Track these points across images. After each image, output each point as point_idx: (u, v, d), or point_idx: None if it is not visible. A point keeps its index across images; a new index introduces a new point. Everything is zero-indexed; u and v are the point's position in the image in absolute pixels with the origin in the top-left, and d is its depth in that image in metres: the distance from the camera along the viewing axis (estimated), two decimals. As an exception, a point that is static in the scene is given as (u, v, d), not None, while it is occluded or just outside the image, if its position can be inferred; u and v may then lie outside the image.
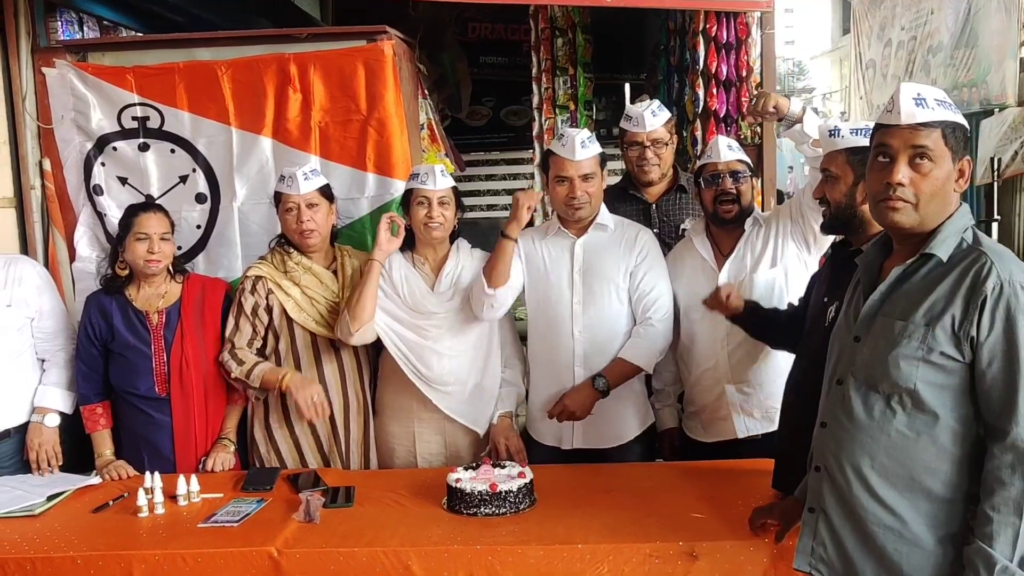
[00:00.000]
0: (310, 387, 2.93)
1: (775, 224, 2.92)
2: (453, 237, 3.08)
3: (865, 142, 2.07)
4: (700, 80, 4.26)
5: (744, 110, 3.27)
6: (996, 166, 5.66)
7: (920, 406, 1.79)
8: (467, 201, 3.18)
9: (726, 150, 2.90)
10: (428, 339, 2.99)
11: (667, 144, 3.33)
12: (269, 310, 3.04)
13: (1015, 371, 1.71)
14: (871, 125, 1.99)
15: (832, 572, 1.92)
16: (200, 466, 3.00)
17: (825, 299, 2.34)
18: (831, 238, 2.54)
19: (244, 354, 3.01)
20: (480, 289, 2.91)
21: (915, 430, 1.80)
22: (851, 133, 2.27)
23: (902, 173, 1.78)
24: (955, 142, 1.79)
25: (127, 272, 3.07)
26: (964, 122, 1.83)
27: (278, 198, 3.09)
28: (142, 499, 2.59)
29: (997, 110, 6.05)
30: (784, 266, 2.87)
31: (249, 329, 3.04)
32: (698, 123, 4.38)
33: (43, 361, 3.12)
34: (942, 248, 1.80)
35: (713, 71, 4.18)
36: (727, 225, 2.92)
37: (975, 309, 1.73)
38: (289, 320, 3.03)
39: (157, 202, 3.49)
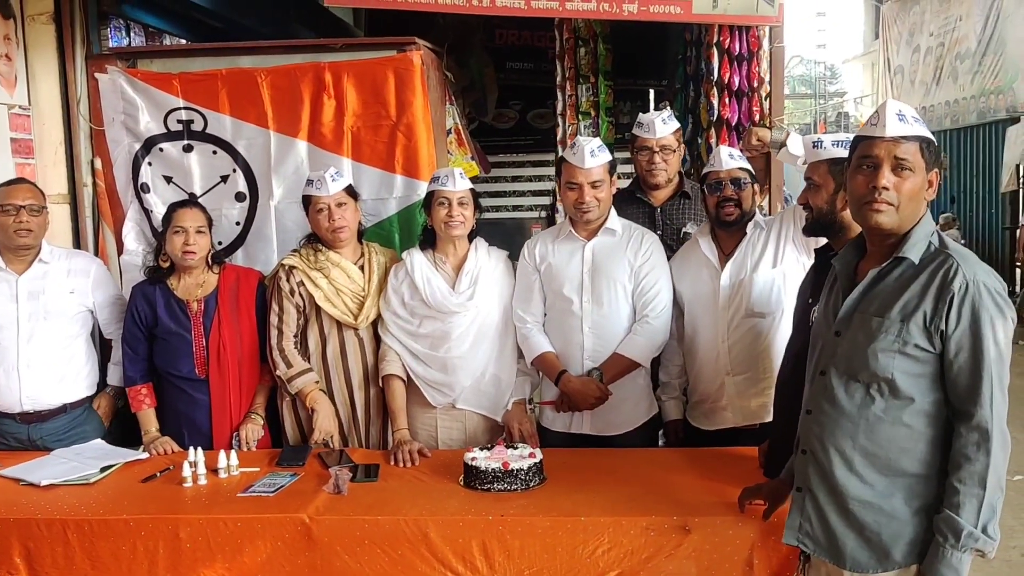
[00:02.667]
0: (329, 423, 3.21)
1: (777, 227, 3.09)
2: (472, 236, 3.28)
3: (845, 153, 2.26)
4: (714, 90, 4.45)
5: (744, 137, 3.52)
6: (1021, 173, 5.78)
7: (896, 393, 1.99)
8: (493, 202, 3.40)
9: (727, 159, 3.09)
10: (450, 338, 3.18)
11: (674, 151, 3.53)
12: (301, 297, 3.27)
13: (979, 360, 1.92)
14: (850, 137, 2.20)
15: (817, 545, 2.13)
16: (233, 438, 3.24)
17: (809, 300, 2.53)
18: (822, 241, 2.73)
19: (294, 357, 3.24)
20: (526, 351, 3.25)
21: (892, 415, 2.01)
22: (832, 145, 2.48)
23: (887, 178, 1.99)
24: (929, 155, 2.02)
25: (168, 264, 3.32)
26: (933, 139, 2.06)
27: (307, 201, 3.30)
28: (186, 471, 2.82)
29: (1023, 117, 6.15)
30: (784, 268, 3.05)
31: (293, 309, 3.25)
32: (712, 131, 4.56)
33: (105, 345, 3.41)
34: (913, 251, 2.01)
35: (726, 81, 4.37)
36: (729, 228, 3.11)
37: (944, 306, 1.93)
38: (317, 308, 3.25)
39: (195, 199, 3.73)
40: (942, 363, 1.97)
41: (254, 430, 3.26)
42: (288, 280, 3.26)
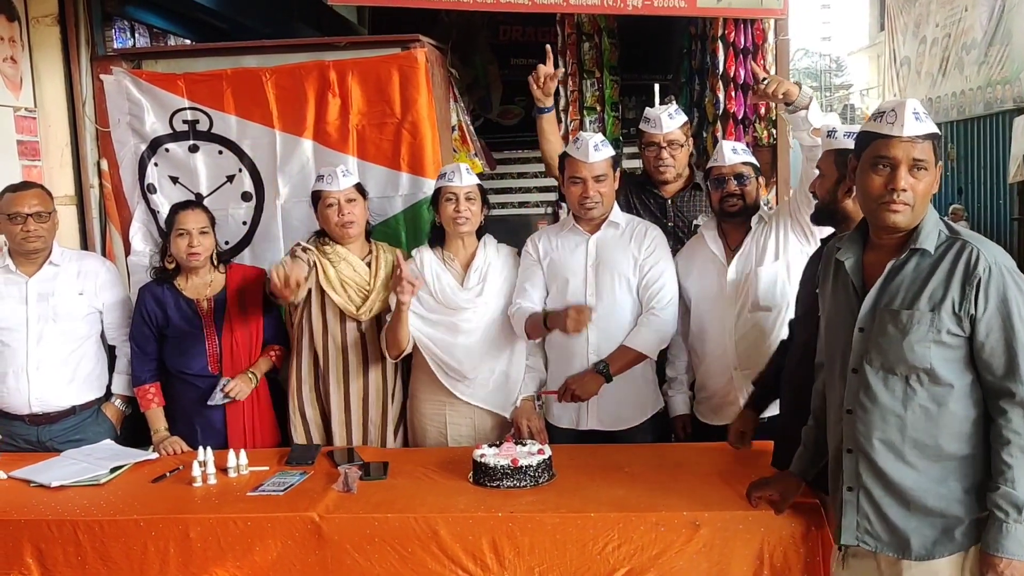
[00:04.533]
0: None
1: (778, 219, 3.10)
2: (480, 233, 3.29)
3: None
4: (720, 83, 4.44)
5: (752, 87, 3.28)
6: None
7: (937, 381, 2.04)
8: (499, 199, 3.38)
9: (731, 154, 3.09)
10: (459, 334, 3.20)
11: (682, 146, 3.51)
12: (310, 265, 3.25)
13: (1011, 339, 1.98)
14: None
15: (878, 541, 2.13)
16: (220, 387, 3.22)
17: (817, 291, 2.52)
18: (829, 229, 2.72)
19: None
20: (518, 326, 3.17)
21: (936, 402, 2.05)
22: (845, 136, 2.48)
23: (906, 180, 2.02)
24: (939, 151, 2.07)
25: (174, 265, 3.34)
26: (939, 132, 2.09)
27: (317, 196, 3.30)
28: (196, 471, 2.83)
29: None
30: (787, 259, 3.04)
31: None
32: (718, 124, 4.55)
33: (113, 348, 3.42)
34: (928, 242, 2.05)
35: (731, 75, 4.35)
36: (734, 219, 3.10)
37: (971, 291, 1.99)
38: (323, 296, 3.26)
39: (198, 200, 3.74)
40: (971, 345, 2.02)
41: (242, 388, 3.24)
42: (305, 252, 3.27)
